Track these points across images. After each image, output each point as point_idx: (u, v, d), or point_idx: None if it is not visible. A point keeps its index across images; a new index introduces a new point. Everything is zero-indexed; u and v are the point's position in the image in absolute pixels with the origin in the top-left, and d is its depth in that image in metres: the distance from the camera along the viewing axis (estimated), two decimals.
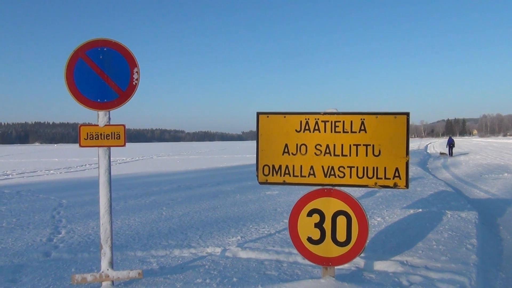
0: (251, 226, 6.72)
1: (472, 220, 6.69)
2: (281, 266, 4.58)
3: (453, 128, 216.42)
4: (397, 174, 3.78)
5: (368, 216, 3.94)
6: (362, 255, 4.72)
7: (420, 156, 29.85)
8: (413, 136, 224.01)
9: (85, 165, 25.07)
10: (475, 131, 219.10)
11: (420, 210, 7.65)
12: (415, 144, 69.96)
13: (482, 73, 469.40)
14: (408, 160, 3.78)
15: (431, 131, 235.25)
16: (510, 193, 11.29)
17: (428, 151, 42.76)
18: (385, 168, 3.80)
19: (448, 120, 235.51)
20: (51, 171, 20.62)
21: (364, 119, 3.87)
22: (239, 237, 5.96)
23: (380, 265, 4.53)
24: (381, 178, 3.81)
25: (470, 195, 11.31)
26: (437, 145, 61.12)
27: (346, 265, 4.44)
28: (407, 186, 3.77)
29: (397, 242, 5.45)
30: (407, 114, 3.80)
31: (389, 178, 3.79)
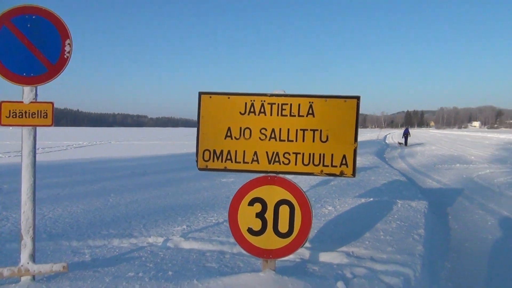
0: (199, 214, 6.43)
1: (421, 210, 6.68)
2: (223, 258, 4.32)
3: (412, 120, 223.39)
4: (344, 162, 3.57)
5: (313, 206, 3.74)
6: (307, 245, 4.55)
7: (378, 146, 30.39)
8: (373, 126, 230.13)
9: (39, 148, 23.80)
10: (432, 123, 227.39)
11: (372, 199, 7.60)
12: (374, 134, 71.58)
13: (441, 67, 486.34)
14: (356, 147, 3.58)
15: (391, 122, 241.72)
16: (461, 183, 11.57)
17: (386, 141, 43.74)
18: (332, 155, 3.58)
19: (407, 111, 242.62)
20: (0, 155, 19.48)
21: (312, 102, 3.62)
22: (184, 226, 5.66)
23: (325, 257, 4.36)
24: (327, 166, 3.58)
25: (422, 184, 11.49)
26: (396, 135, 62.63)
27: (290, 257, 4.25)
28: (353, 174, 3.57)
29: (345, 232, 5.31)
30: (358, 98, 3.58)
31: (336, 166, 3.58)
